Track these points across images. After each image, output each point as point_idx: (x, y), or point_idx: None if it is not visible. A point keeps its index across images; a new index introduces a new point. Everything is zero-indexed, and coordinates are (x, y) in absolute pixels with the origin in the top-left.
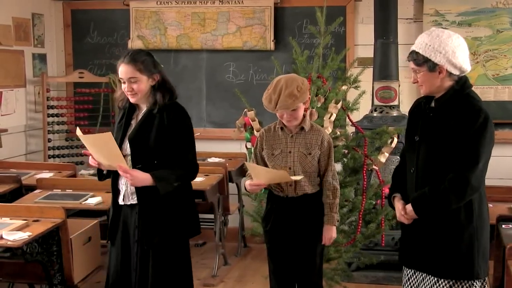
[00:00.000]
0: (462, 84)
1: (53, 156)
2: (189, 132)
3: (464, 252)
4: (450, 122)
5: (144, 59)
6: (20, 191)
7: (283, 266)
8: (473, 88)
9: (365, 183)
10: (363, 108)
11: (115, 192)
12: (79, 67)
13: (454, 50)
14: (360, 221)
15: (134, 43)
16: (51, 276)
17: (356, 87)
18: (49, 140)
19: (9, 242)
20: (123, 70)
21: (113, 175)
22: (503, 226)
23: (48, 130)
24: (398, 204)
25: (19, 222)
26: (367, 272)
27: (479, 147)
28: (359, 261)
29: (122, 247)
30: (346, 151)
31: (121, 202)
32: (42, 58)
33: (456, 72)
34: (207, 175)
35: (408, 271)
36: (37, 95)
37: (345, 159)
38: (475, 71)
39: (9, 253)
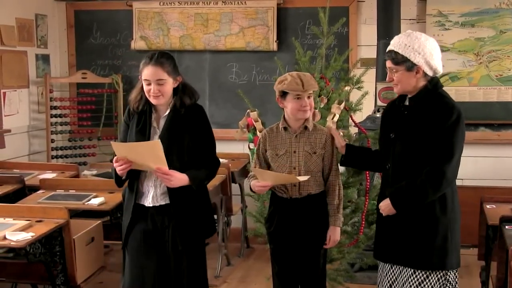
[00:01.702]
0: (434, 84)
1: (56, 157)
2: (211, 130)
3: (439, 243)
4: (425, 119)
5: (170, 62)
6: (23, 191)
7: (286, 267)
8: (476, 89)
9: (368, 184)
10: (366, 109)
11: (136, 194)
12: (82, 68)
13: (432, 53)
14: (363, 222)
15: (137, 44)
16: (54, 276)
17: (359, 88)
18: (52, 141)
19: (12, 243)
20: (151, 72)
21: (132, 178)
22: (506, 227)
23: (51, 131)
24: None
25: (22, 223)
26: (370, 273)
27: (453, 142)
28: (362, 262)
29: (144, 249)
30: None
31: (148, 204)
32: (45, 58)
33: (430, 73)
34: None
35: (385, 267)
36: (40, 95)
37: None
38: (478, 71)
39: (12, 254)
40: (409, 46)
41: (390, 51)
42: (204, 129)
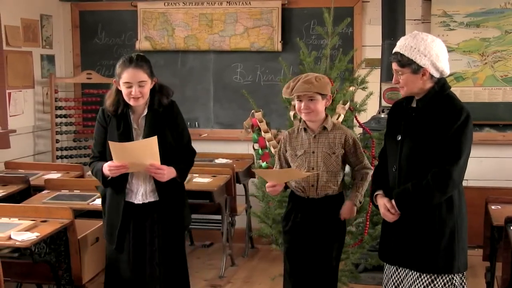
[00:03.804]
0: (441, 85)
1: (61, 157)
2: (186, 124)
3: (445, 246)
4: (434, 120)
5: (149, 64)
6: (28, 191)
7: (299, 267)
8: (481, 89)
9: None
10: (371, 109)
11: (123, 194)
12: (87, 68)
13: (438, 54)
14: (368, 222)
15: (142, 44)
16: (59, 276)
17: (363, 88)
18: (57, 141)
19: (17, 243)
20: (133, 74)
21: (120, 178)
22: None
23: (56, 131)
24: (382, 200)
25: (27, 223)
26: (374, 273)
27: (461, 143)
28: (367, 262)
29: (135, 247)
30: None
31: (138, 201)
32: (50, 59)
33: (437, 75)
34: (214, 176)
35: (390, 268)
36: (45, 96)
37: None
38: (483, 72)
39: (18, 254)
40: (415, 48)
41: (396, 53)
42: (181, 123)
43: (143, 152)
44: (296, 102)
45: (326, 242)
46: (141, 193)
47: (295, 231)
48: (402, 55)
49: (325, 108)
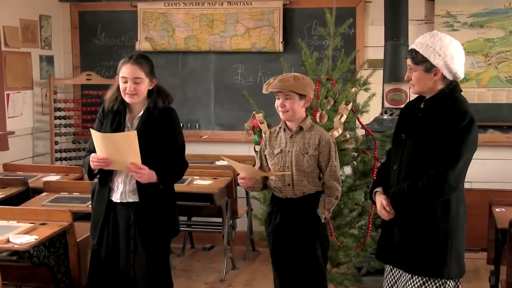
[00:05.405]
0: (452, 88)
1: (60, 159)
2: (182, 133)
3: (437, 250)
4: (436, 122)
5: (149, 63)
6: (27, 194)
7: (285, 268)
8: (485, 90)
9: None
10: (373, 111)
11: (108, 190)
12: (87, 69)
13: (453, 56)
14: (370, 225)
15: (142, 45)
16: (58, 279)
17: (366, 89)
18: (56, 143)
19: (16, 246)
20: (130, 69)
21: (105, 173)
22: None
23: (55, 133)
24: (379, 198)
25: (26, 225)
26: (377, 277)
27: (460, 147)
28: (369, 265)
29: (112, 245)
30: (356, 154)
31: (116, 199)
32: (49, 60)
33: (450, 77)
34: (215, 178)
35: (387, 267)
36: (44, 97)
37: (354, 162)
38: (487, 73)
39: (16, 257)
40: (430, 47)
41: (412, 49)
42: (175, 131)
43: (123, 146)
44: (276, 100)
45: (309, 242)
46: (120, 192)
47: (276, 233)
48: (417, 52)
49: (306, 109)
